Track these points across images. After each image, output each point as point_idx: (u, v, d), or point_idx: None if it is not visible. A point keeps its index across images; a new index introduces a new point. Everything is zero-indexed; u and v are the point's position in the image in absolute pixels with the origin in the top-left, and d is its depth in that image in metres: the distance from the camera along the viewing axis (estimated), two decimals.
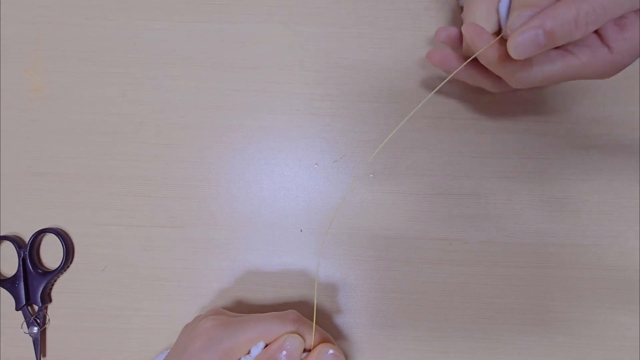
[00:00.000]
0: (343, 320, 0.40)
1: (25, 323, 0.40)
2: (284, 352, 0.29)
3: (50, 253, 0.41)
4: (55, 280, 0.40)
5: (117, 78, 0.41)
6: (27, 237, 0.40)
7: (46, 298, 0.40)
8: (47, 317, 0.40)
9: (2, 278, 0.40)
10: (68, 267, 0.40)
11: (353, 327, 0.40)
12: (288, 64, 0.41)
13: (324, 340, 0.32)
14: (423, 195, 0.40)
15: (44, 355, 0.40)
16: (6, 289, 0.40)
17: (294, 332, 0.30)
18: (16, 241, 0.40)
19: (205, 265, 0.40)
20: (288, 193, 0.40)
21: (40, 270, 0.40)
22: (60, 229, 0.40)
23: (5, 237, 0.40)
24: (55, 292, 0.41)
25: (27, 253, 0.40)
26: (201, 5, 0.41)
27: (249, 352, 0.31)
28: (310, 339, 0.31)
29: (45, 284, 0.40)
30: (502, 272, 0.40)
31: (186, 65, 0.41)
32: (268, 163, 0.41)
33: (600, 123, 0.40)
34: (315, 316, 0.34)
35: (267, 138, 0.41)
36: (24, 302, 0.39)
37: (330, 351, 0.30)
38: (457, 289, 0.40)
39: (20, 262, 0.40)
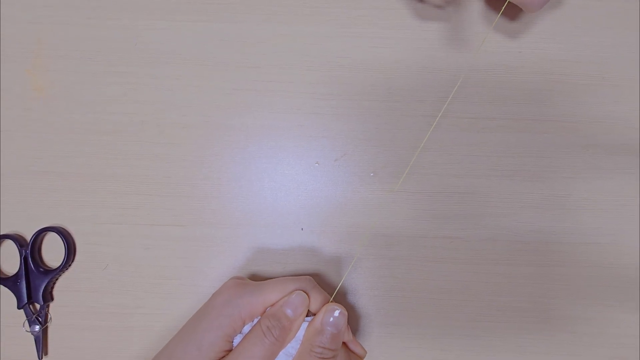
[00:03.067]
0: None
1: (27, 321, 0.40)
2: (289, 308, 0.31)
3: (52, 252, 0.41)
4: (56, 279, 0.41)
5: (119, 77, 0.41)
6: (28, 236, 0.40)
7: (48, 296, 0.40)
8: (49, 316, 0.40)
9: (3, 277, 0.40)
10: (70, 265, 0.41)
11: (353, 325, 0.40)
12: (289, 64, 0.41)
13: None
14: (424, 193, 0.40)
15: (46, 354, 0.40)
16: (8, 288, 0.40)
17: (300, 290, 0.32)
18: (18, 240, 0.40)
19: (207, 263, 0.40)
20: (289, 192, 0.41)
21: (42, 268, 0.40)
22: (62, 228, 0.41)
23: (7, 236, 0.40)
24: (56, 291, 0.41)
25: (28, 252, 0.40)
26: (202, 5, 0.41)
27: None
28: (319, 305, 0.33)
29: (47, 283, 0.40)
30: (503, 270, 0.40)
31: (187, 65, 0.41)
32: (269, 162, 0.41)
33: (600, 123, 0.40)
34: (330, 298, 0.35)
35: (268, 137, 0.41)
36: (25, 300, 0.39)
37: (337, 310, 0.32)
38: (458, 287, 0.40)
39: (22, 261, 0.40)
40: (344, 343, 0.34)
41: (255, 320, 0.32)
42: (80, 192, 0.41)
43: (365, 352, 0.35)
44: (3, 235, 0.40)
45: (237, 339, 0.31)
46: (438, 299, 0.40)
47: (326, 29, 0.41)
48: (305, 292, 0.32)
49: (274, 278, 0.34)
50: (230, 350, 0.31)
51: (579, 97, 0.40)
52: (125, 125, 0.41)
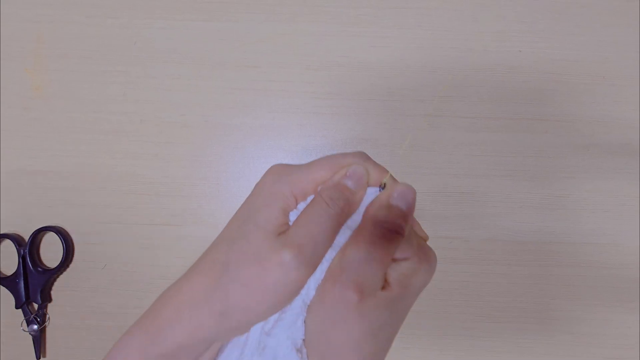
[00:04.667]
0: None
1: (25, 321, 0.40)
2: (350, 181, 0.27)
3: (50, 251, 0.41)
4: (55, 279, 0.40)
5: (118, 77, 0.41)
6: (27, 236, 0.40)
7: (46, 296, 0.40)
8: (47, 316, 0.40)
9: (2, 276, 0.40)
10: (68, 265, 0.40)
11: None
12: (288, 63, 0.41)
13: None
14: (423, 194, 0.40)
15: (44, 354, 0.40)
16: (6, 287, 0.40)
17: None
18: (16, 239, 0.40)
19: None
20: None
21: (40, 268, 0.40)
22: (60, 228, 0.40)
23: (5, 236, 0.40)
24: (55, 291, 0.41)
25: (27, 251, 0.40)
26: (202, 4, 0.41)
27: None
28: (376, 180, 0.29)
29: (45, 283, 0.40)
30: (503, 270, 0.40)
31: (187, 64, 0.41)
32: (268, 162, 0.41)
33: (600, 123, 0.40)
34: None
35: (267, 136, 0.41)
36: (23, 300, 0.39)
37: (405, 188, 0.28)
38: (457, 287, 0.40)
39: (20, 261, 0.40)
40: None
41: (309, 199, 0.28)
42: (78, 192, 0.41)
43: (427, 236, 0.31)
44: (1, 234, 0.40)
45: (293, 215, 0.28)
46: (437, 300, 0.40)
47: (326, 29, 0.41)
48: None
49: (328, 155, 0.30)
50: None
51: (579, 96, 0.40)
52: (124, 125, 0.41)
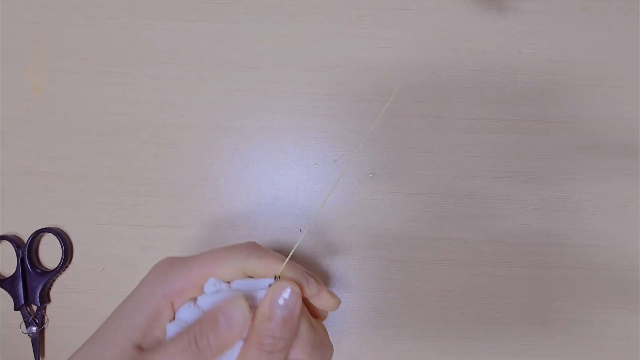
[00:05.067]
0: (342, 321, 0.40)
1: (24, 323, 0.40)
2: (223, 321, 0.25)
3: (49, 253, 0.41)
4: (54, 280, 0.40)
5: (118, 78, 0.41)
6: (25, 237, 0.40)
7: (45, 298, 0.40)
8: (46, 317, 0.40)
9: (0, 278, 0.40)
10: (67, 267, 0.40)
11: (352, 328, 0.40)
12: (288, 64, 0.41)
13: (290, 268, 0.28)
14: (423, 195, 0.40)
15: (43, 356, 0.40)
16: (5, 289, 0.40)
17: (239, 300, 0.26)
18: (15, 241, 0.40)
19: None
20: (287, 193, 0.40)
21: (39, 270, 0.40)
22: (59, 229, 0.40)
23: (4, 237, 0.40)
24: (54, 292, 0.40)
25: (25, 253, 0.40)
26: (201, 5, 0.41)
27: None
28: (264, 266, 0.28)
29: (44, 284, 0.39)
30: (502, 272, 0.40)
31: (186, 65, 0.41)
32: (268, 163, 0.41)
33: (601, 124, 0.40)
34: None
35: (267, 138, 0.41)
36: (22, 302, 0.39)
37: (287, 288, 0.26)
38: (456, 288, 0.40)
39: (19, 262, 0.40)
40: (308, 304, 0.29)
41: (190, 304, 0.28)
42: (77, 193, 0.41)
43: (339, 300, 0.30)
44: (0, 236, 0.40)
45: (171, 328, 0.27)
46: (437, 301, 0.40)
47: (326, 29, 0.41)
48: (244, 299, 0.26)
49: (213, 249, 0.29)
50: (159, 332, 0.27)
51: (579, 97, 0.40)
52: (124, 126, 0.41)
